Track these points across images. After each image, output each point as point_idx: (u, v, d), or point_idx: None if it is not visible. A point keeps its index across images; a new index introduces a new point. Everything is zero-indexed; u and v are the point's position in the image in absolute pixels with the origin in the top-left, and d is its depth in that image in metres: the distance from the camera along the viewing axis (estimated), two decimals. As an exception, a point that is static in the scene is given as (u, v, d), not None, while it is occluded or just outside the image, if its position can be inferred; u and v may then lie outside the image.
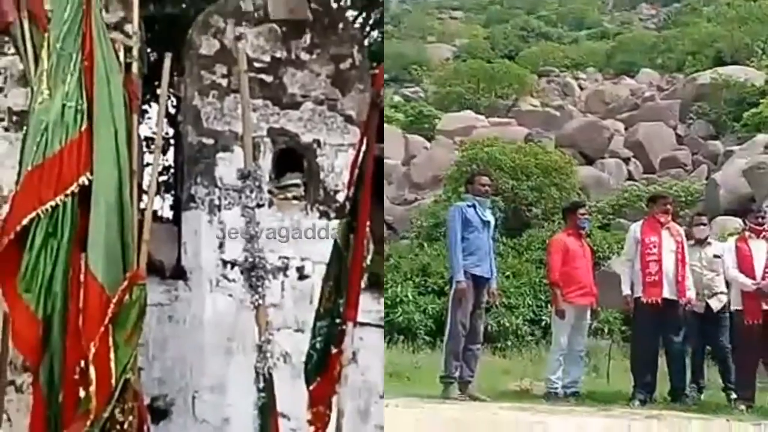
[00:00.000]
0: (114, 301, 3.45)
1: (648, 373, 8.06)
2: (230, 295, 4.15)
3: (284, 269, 4.29)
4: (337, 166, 4.27)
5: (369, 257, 3.81)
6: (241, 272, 3.79)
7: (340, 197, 3.85)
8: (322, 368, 3.59)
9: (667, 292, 7.95)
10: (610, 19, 56.76)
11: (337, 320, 3.59)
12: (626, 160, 27.13)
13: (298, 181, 4.37)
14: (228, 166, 4.22)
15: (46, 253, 3.55)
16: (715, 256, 8.16)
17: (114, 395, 3.39)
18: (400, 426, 4.29)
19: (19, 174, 3.64)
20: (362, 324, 4.15)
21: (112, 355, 3.41)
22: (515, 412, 6.69)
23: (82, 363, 3.39)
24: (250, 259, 3.67)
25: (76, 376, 3.41)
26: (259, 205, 3.91)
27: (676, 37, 41.96)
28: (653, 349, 8.16)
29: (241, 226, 3.74)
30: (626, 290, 8.18)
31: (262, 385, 3.56)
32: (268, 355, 3.58)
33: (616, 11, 58.58)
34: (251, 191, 3.75)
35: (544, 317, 13.84)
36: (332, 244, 3.62)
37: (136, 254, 3.59)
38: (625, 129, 29.68)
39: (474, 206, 7.87)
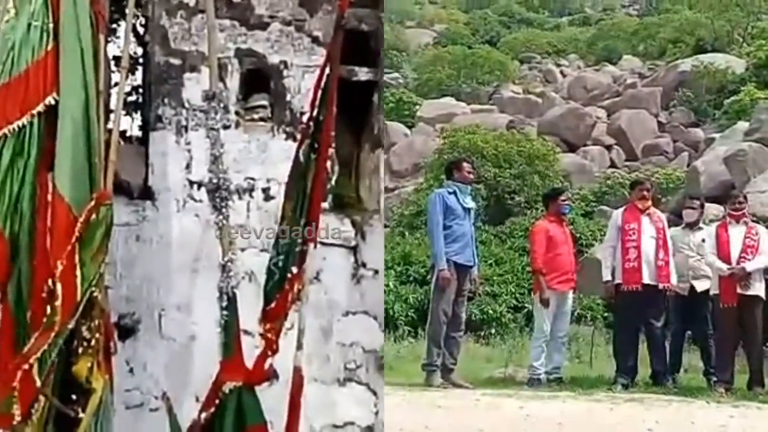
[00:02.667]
0: (81, 220, 3.42)
1: (630, 357, 8.13)
2: (197, 216, 4.15)
3: (250, 190, 4.28)
4: (304, 88, 4.25)
5: (334, 178, 3.83)
6: (207, 193, 3.79)
7: (304, 119, 3.87)
8: (281, 288, 3.60)
9: (648, 278, 8.01)
10: (592, 5, 56.91)
11: (298, 241, 3.60)
12: (608, 148, 27.29)
13: (264, 102, 4.35)
14: (195, 87, 4.19)
15: (13, 173, 3.52)
16: (704, 240, 8.23)
17: (78, 310, 3.37)
18: (383, 415, 4.31)
19: None
20: (326, 244, 4.16)
21: (78, 272, 3.38)
22: (498, 398, 6.73)
23: (50, 281, 3.37)
24: (215, 180, 3.67)
25: (44, 294, 3.39)
26: (225, 127, 3.88)
27: (658, 24, 42.14)
28: (635, 334, 8.24)
29: (206, 148, 3.69)
30: (607, 276, 8.24)
31: (225, 303, 3.55)
32: (232, 274, 3.57)
33: (598, -3, 58.75)
34: (216, 113, 3.72)
35: (526, 304, 13.90)
36: (293, 165, 3.64)
37: (103, 174, 3.54)
38: (608, 116, 29.84)
39: (455, 193, 7.89)
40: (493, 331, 13.73)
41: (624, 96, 31.57)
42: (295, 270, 3.58)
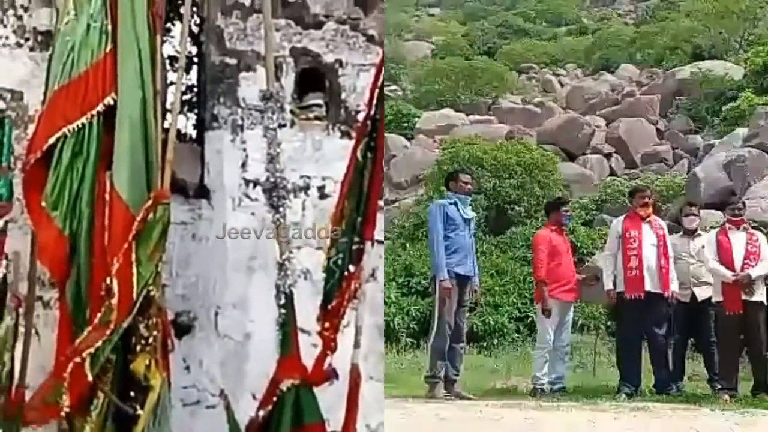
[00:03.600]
0: (138, 218, 3.52)
1: (633, 366, 8.10)
2: (252, 214, 4.18)
3: (305, 188, 4.32)
4: (359, 86, 4.29)
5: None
6: (263, 192, 3.82)
7: (361, 117, 3.89)
8: (340, 286, 3.64)
9: (650, 286, 7.98)
10: (589, 15, 57.02)
11: (356, 238, 3.64)
12: (608, 156, 27.26)
13: (320, 101, 4.40)
14: (251, 87, 4.26)
15: (73, 172, 3.63)
16: (703, 247, 8.20)
17: (134, 308, 3.46)
18: (386, 426, 4.29)
19: (45, 94, 3.71)
20: (380, 242, 4.17)
21: (134, 270, 3.48)
22: (502, 409, 6.69)
23: (108, 280, 3.48)
24: (272, 179, 3.74)
25: (102, 293, 3.49)
26: (281, 126, 3.99)
27: (655, 32, 42.20)
28: (637, 343, 8.20)
29: (263, 147, 3.78)
30: (609, 285, 8.22)
31: (283, 301, 3.63)
32: (289, 272, 3.64)
33: (595, 7, 58.88)
34: (273, 112, 3.85)
35: (529, 315, 13.86)
36: (352, 163, 3.65)
37: (160, 173, 3.64)
38: (606, 125, 29.83)
39: (455, 204, 7.88)
40: (495, 341, 13.69)
41: (622, 104, 31.57)
42: (352, 268, 3.62)
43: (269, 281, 3.71)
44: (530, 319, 13.49)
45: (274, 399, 3.55)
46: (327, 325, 3.66)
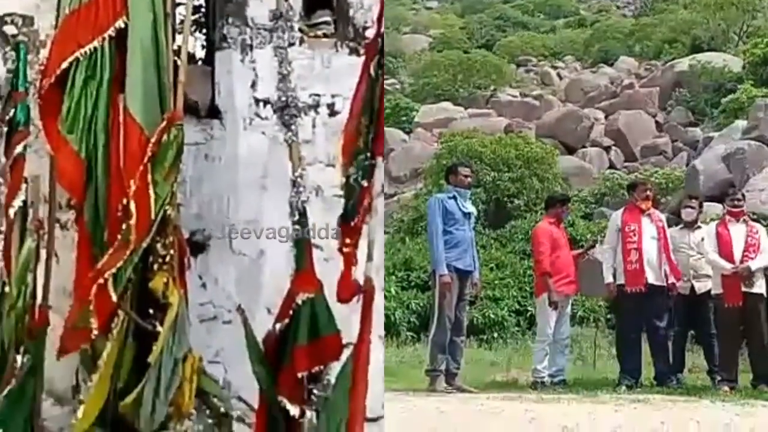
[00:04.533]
0: (153, 140, 3.55)
1: (633, 358, 8.12)
2: (263, 133, 4.21)
3: (315, 106, 4.33)
4: (366, 3, 4.31)
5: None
6: (274, 111, 3.88)
7: (369, 33, 3.92)
8: (360, 202, 3.68)
9: (650, 278, 8.00)
10: (587, 7, 56.98)
11: (368, 154, 3.67)
12: (607, 149, 27.28)
13: (328, 18, 4.41)
14: (259, 6, 4.27)
15: (87, 95, 3.66)
16: (703, 239, 8.21)
17: (153, 228, 3.50)
18: (387, 419, 4.31)
19: (57, 19, 3.75)
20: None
21: (151, 191, 3.52)
22: (503, 402, 6.71)
23: (124, 200, 3.51)
24: (283, 98, 3.77)
25: (120, 214, 3.53)
26: (290, 44, 4.02)
27: (654, 24, 42.17)
28: (638, 335, 8.22)
29: (273, 66, 3.82)
30: (608, 278, 8.24)
31: (297, 218, 3.66)
32: (302, 189, 3.67)
33: (593, -1, 58.84)
34: (283, 31, 3.89)
35: (528, 308, 13.88)
36: (364, 80, 3.67)
37: (173, 95, 3.66)
38: (605, 117, 29.85)
39: (455, 198, 7.88)
40: (495, 335, 13.71)
41: (621, 97, 31.58)
42: (365, 183, 3.65)
43: (281, 199, 3.74)
44: (530, 312, 13.51)
45: (290, 312, 3.58)
46: (348, 241, 3.70)
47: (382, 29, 3.74)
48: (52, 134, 3.67)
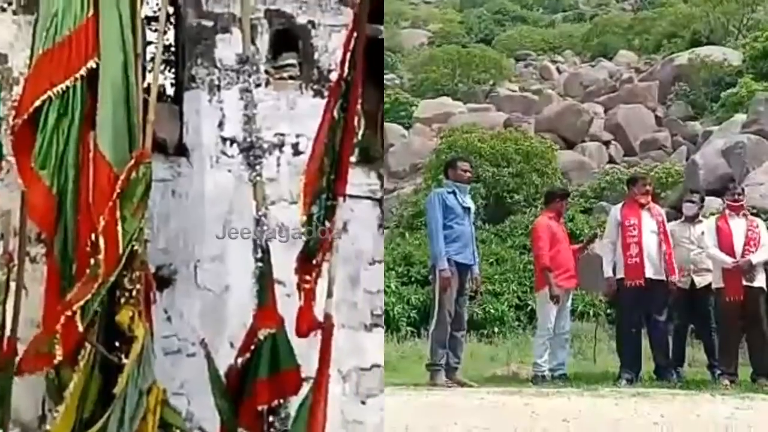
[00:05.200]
0: (122, 177, 3.67)
1: (633, 352, 8.12)
2: (229, 171, 4.33)
3: (280, 145, 4.48)
4: (331, 47, 4.45)
5: (360, 133, 3.99)
6: (240, 151, 4.00)
7: (333, 76, 4.02)
8: (321, 241, 3.80)
9: (650, 272, 8.00)
10: (586, 1, 56.93)
11: (330, 195, 3.78)
12: (606, 143, 27.28)
13: (293, 61, 4.55)
14: (227, 48, 4.43)
15: (59, 132, 3.78)
16: (703, 233, 8.21)
17: (121, 262, 3.62)
18: (388, 415, 4.32)
19: (30, 58, 3.88)
20: (353, 196, 4.34)
21: (119, 227, 3.64)
22: (503, 396, 6.71)
23: (93, 236, 3.64)
24: (249, 139, 3.87)
25: (88, 248, 3.66)
26: (256, 86, 4.12)
27: (653, 18, 42.18)
28: (638, 329, 8.22)
29: (239, 107, 3.94)
30: (608, 272, 8.23)
31: (259, 255, 3.78)
32: (265, 227, 3.80)
33: (592, -7, 58.76)
34: (249, 74, 3.97)
35: (528, 302, 13.88)
36: (326, 122, 3.78)
37: (142, 134, 3.80)
38: (605, 112, 29.83)
39: (454, 192, 7.87)
40: (495, 329, 13.70)
41: (621, 91, 31.56)
42: (327, 224, 3.75)
43: (246, 235, 3.83)
44: (530, 307, 13.51)
45: (252, 347, 3.71)
46: (307, 277, 3.83)
47: (345, 73, 3.84)
48: (25, 170, 3.77)
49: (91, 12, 3.80)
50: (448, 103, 33.01)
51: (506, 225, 18.38)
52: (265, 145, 4.15)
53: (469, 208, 7.99)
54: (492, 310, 14.03)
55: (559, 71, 41.07)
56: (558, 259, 8.30)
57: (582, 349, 11.25)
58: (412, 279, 15.05)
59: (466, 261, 7.83)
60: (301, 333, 3.78)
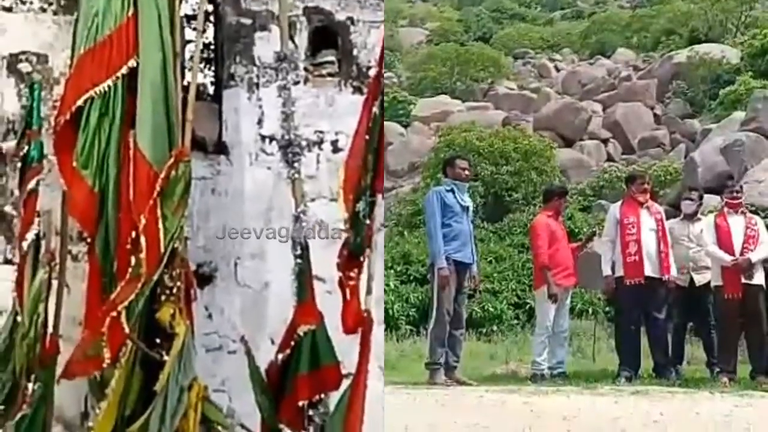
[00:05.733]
0: (162, 176, 3.70)
1: (632, 350, 8.13)
2: (268, 168, 4.35)
3: (319, 143, 4.50)
4: (370, 43, 4.47)
5: None
6: (279, 148, 3.98)
7: (372, 73, 4.06)
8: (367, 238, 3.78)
9: (649, 270, 8.00)
10: (585, -1, 56.90)
11: (370, 192, 3.82)
12: (605, 141, 27.30)
13: (332, 58, 4.57)
14: (265, 45, 4.48)
15: (100, 132, 3.82)
16: (702, 231, 8.21)
17: (162, 261, 3.65)
18: (387, 413, 4.33)
19: (71, 58, 3.92)
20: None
21: (160, 226, 3.67)
22: (503, 394, 6.72)
23: (133, 234, 3.66)
24: (287, 137, 3.90)
25: (129, 246, 3.68)
26: (295, 83, 4.18)
27: (651, 15, 42.18)
28: (637, 327, 8.23)
29: (278, 104, 3.98)
30: (607, 271, 8.24)
31: (299, 252, 3.80)
32: (304, 224, 3.82)
33: (590, -9, 58.73)
34: (287, 72, 4.01)
35: (527, 301, 13.89)
36: (366, 119, 3.80)
37: (181, 132, 3.84)
38: (603, 110, 29.86)
39: (453, 191, 7.87)
40: (494, 328, 13.72)
41: (619, 89, 31.58)
42: (368, 221, 3.77)
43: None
44: (529, 305, 13.53)
45: (292, 343, 3.74)
46: (352, 274, 3.86)
47: (383, 70, 3.86)
48: (67, 169, 3.81)
49: (131, 11, 3.84)
50: (446, 101, 33.03)
51: (505, 223, 18.40)
52: (304, 143, 4.17)
53: (467, 207, 8.00)
54: (491, 309, 14.05)
55: (557, 69, 41.10)
56: (557, 258, 8.31)
57: (581, 348, 11.26)
58: (411, 277, 15.07)
59: (465, 260, 7.84)
60: (348, 329, 3.81)
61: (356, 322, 3.79)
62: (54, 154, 3.87)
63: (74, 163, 3.78)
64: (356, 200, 3.80)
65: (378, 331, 4.21)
